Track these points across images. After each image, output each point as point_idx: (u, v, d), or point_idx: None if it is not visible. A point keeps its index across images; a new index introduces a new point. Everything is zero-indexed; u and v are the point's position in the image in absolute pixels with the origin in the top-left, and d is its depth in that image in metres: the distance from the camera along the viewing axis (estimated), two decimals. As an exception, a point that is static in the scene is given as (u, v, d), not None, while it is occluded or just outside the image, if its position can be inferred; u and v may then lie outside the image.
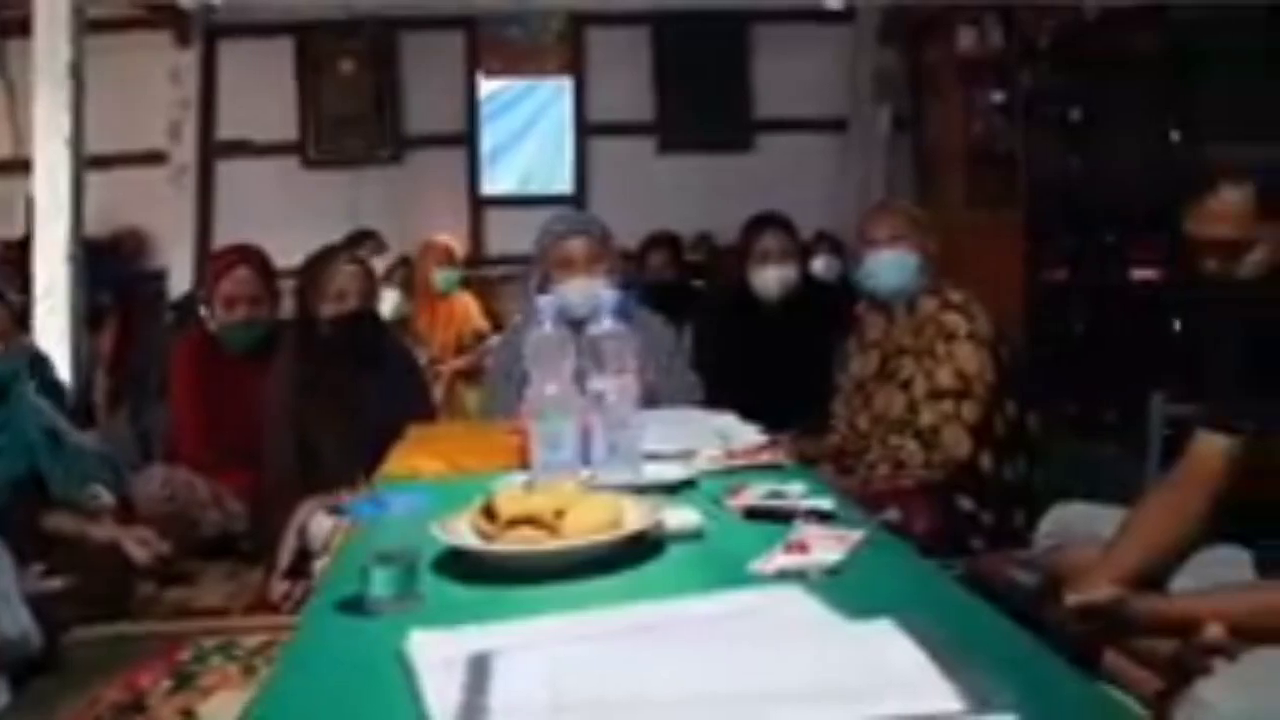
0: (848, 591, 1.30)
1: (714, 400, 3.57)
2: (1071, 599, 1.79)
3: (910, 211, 3.29)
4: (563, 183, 6.92)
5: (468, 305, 5.86)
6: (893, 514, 2.85)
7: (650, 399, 2.97)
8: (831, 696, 0.98)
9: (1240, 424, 2.03)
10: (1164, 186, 1.99)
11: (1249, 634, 1.73)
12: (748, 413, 3.13)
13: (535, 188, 6.92)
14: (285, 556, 3.24)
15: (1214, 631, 1.69)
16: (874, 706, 0.95)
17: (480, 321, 5.78)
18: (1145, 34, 3.84)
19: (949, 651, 1.05)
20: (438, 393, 4.81)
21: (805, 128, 6.89)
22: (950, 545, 2.87)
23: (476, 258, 6.64)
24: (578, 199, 6.87)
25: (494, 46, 6.90)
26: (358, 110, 6.85)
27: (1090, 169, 4.15)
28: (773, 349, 3.68)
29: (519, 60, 6.92)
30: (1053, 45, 4.63)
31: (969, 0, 5.92)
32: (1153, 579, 2.00)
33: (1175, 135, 3.53)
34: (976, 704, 0.94)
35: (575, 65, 6.90)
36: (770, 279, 3.70)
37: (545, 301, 1.93)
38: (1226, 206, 1.80)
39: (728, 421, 2.49)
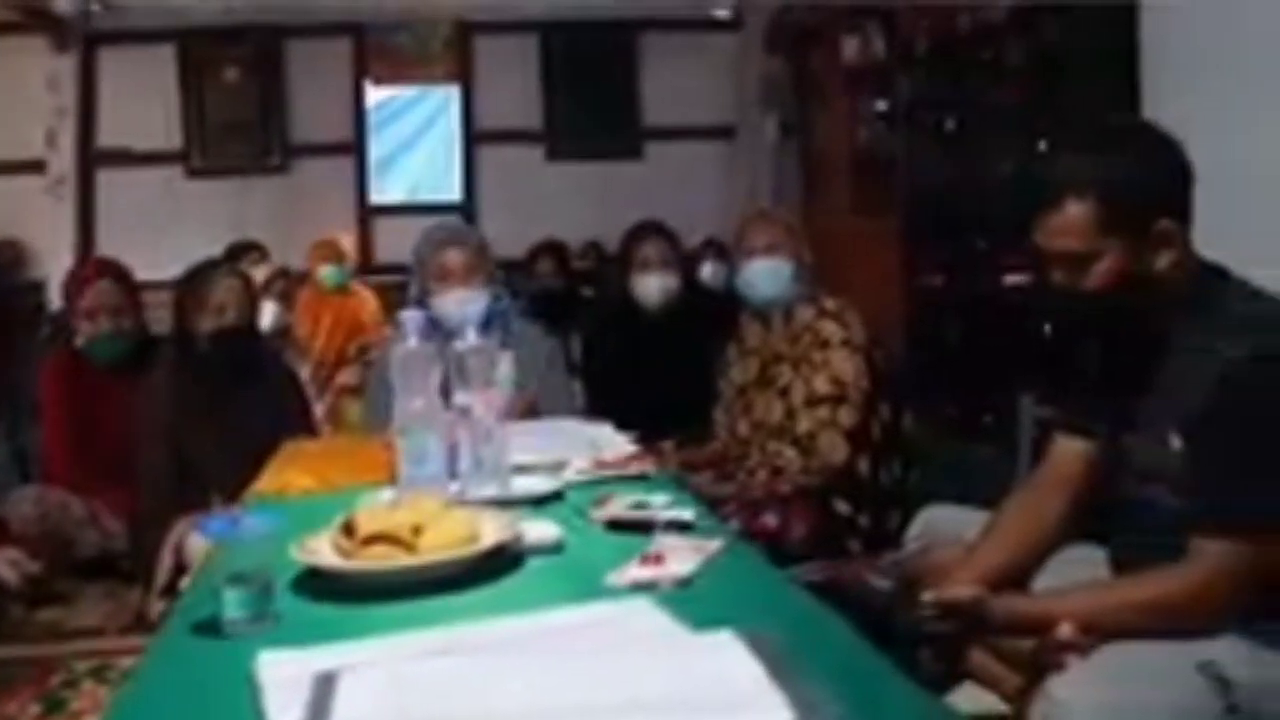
0: (697, 603, 1.32)
1: (599, 408, 3.60)
2: (929, 597, 1.83)
3: (786, 220, 3.34)
4: (452, 191, 6.91)
5: (361, 306, 5.74)
6: (770, 519, 2.90)
7: (531, 409, 2.99)
8: (666, 709, 1.00)
9: (1095, 427, 2.10)
10: (1027, 195, 2.04)
11: (1101, 631, 1.78)
12: (632, 420, 3.15)
13: (425, 196, 6.90)
14: (162, 575, 3.19)
15: (1065, 630, 1.73)
16: (706, 718, 0.97)
17: (378, 323, 5.65)
18: (1015, 44, 3.94)
19: (786, 664, 1.07)
20: (324, 405, 4.74)
21: (693, 135, 6.96)
22: (828, 548, 2.91)
23: (366, 266, 6.58)
24: (467, 207, 6.85)
25: (381, 54, 6.86)
26: (243, 118, 6.78)
27: (964, 176, 4.25)
28: (656, 357, 3.70)
29: (407, 68, 6.89)
30: (929, 54, 4.72)
31: (854, 1, 5.99)
32: (1015, 578, 2.05)
33: (1042, 145, 3.64)
34: (807, 715, 0.96)
35: (464, 73, 6.89)
36: (651, 287, 3.72)
37: (409, 316, 1.93)
38: (1070, 220, 1.85)
39: (601, 432, 2.51)
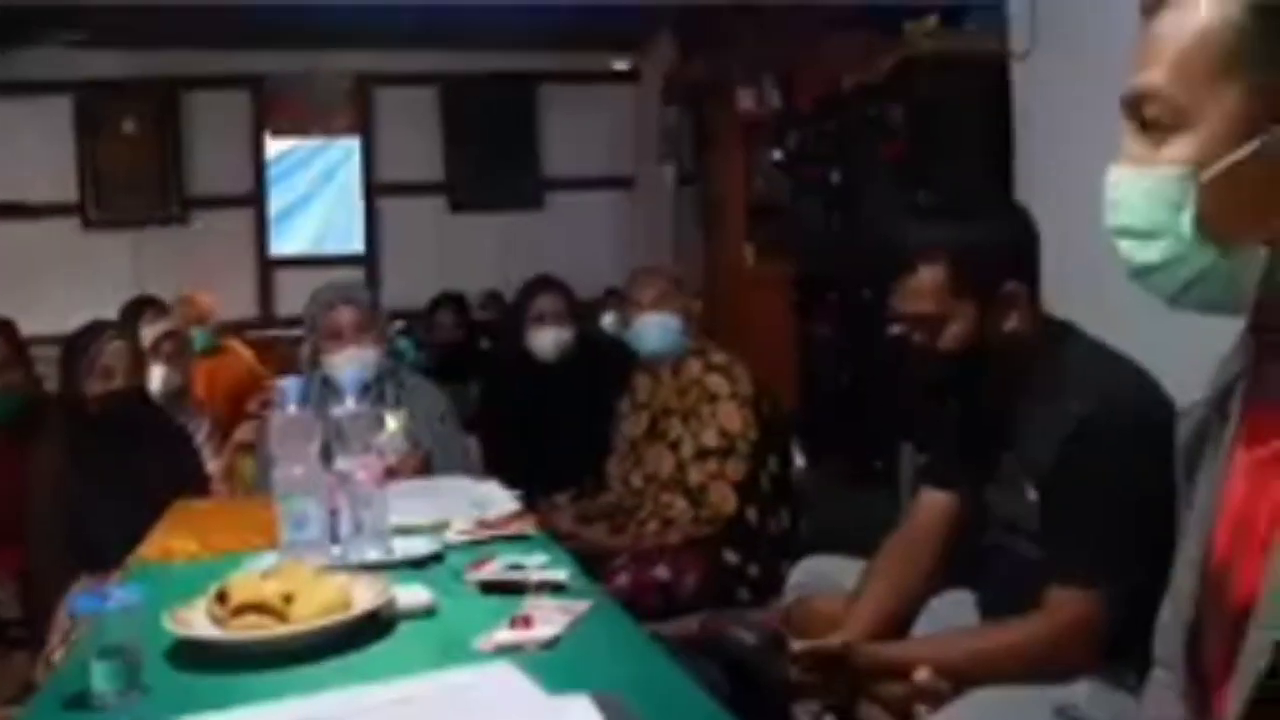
0: (559, 665, 1.37)
1: (495, 461, 3.64)
2: (796, 646, 1.89)
3: (672, 274, 3.41)
4: (354, 242, 6.91)
5: (240, 366, 5.65)
6: (661, 571, 2.95)
7: (424, 466, 3.01)
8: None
9: (959, 479, 2.19)
10: (885, 261, 2.14)
11: (964, 676, 1.85)
12: (528, 472, 3.20)
13: (327, 248, 6.89)
14: (55, 639, 3.14)
15: (922, 674, 1.80)
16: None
17: (257, 377, 5.53)
18: (895, 101, 4.07)
19: (624, 716, 1.11)
20: (222, 462, 4.69)
21: (593, 186, 7.05)
22: (718, 598, 2.97)
23: (267, 320, 6.55)
24: (369, 259, 6.86)
25: (281, 106, 6.86)
26: (141, 170, 6.72)
27: (849, 228, 4.36)
28: (552, 410, 3.74)
29: (307, 120, 6.90)
30: (816, 109, 4.85)
31: (750, 55, 6.12)
32: (893, 625, 2.12)
33: (920, 198, 3.76)
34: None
35: (364, 125, 6.91)
36: (546, 340, 3.76)
37: (285, 384, 1.95)
38: (923, 284, 1.94)
39: (488, 490, 2.54)
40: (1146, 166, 1.04)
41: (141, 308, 5.34)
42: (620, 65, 7.00)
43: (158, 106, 6.72)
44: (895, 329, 2.11)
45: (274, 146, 6.86)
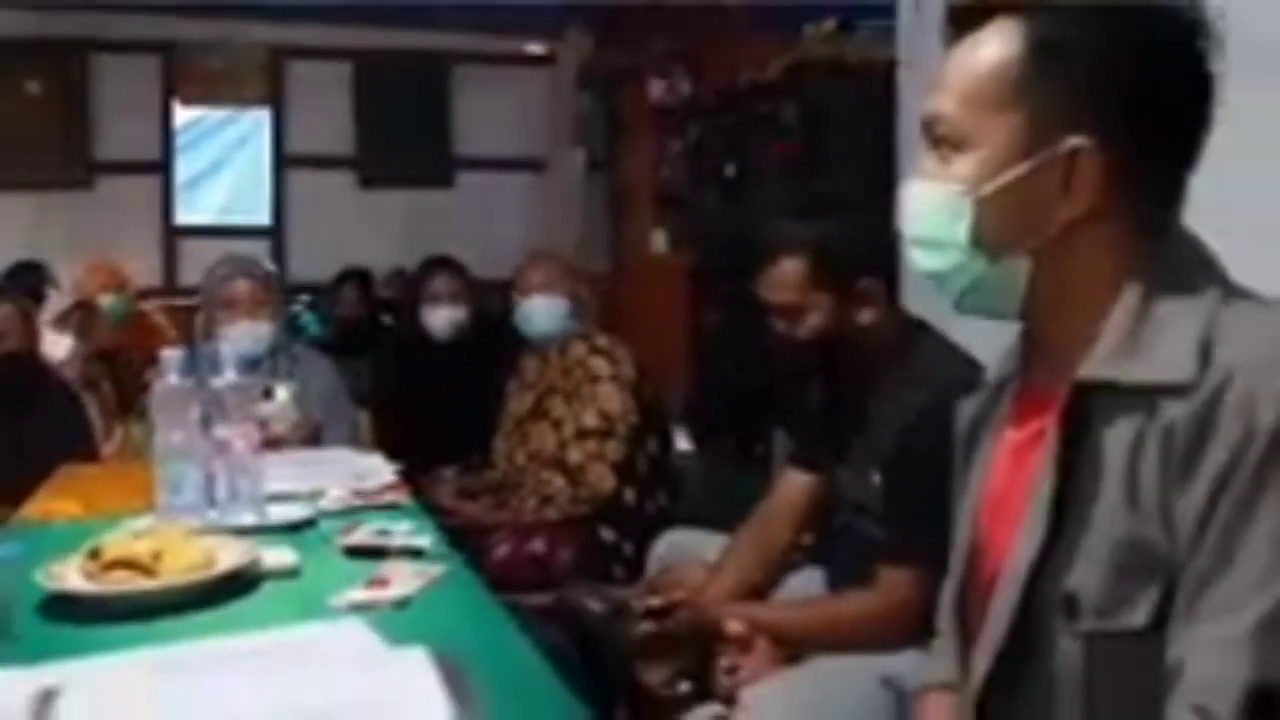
0: (406, 623, 1.48)
1: (386, 435, 3.72)
2: (638, 604, 2.02)
3: (562, 260, 3.53)
4: (261, 214, 6.90)
5: (153, 333, 5.63)
6: (537, 545, 3.06)
7: (314, 437, 3.10)
8: (340, 714, 1.14)
9: (817, 463, 2.33)
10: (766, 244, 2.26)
11: (798, 642, 2.01)
12: (417, 447, 3.29)
13: (234, 218, 6.87)
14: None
15: (734, 627, 1.95)
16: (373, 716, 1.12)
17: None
18: (787, 105, 4.21)
19: (461, 678, 1.22)
20: (122, 431, 4.69)
21: (504, 166, 7.11)
22: (593, 574, 3.09)
23: (171, 288, 6.52)
24: (276, 231, 6.86)
25: (192, 74, 6.81)
26: (44, 132, 6.61)
27: (741, 222, 4.49)
28: (443, 387, 3.84)
29: (217, 89, 6.86)
30: (716, 103, 4.98)
31: (663, 45, 6.22)
32: (748, 597, 2.26)
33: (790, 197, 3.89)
34: (457, 712, 1.12)
35: (275, 97, 6.90)
36: (441, 320, 3.86)
37: (168, 355, 2.02)
38: (784, 275, 2.08)
39: (369, 462, 2.64)
40: (936, 182, 1.16)
41: (24, 273, 5.31)
42: (536, 49, 7.07)
43: (64, 68, 6.63)
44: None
45: (183, 114, 6.80)
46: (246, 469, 2.04)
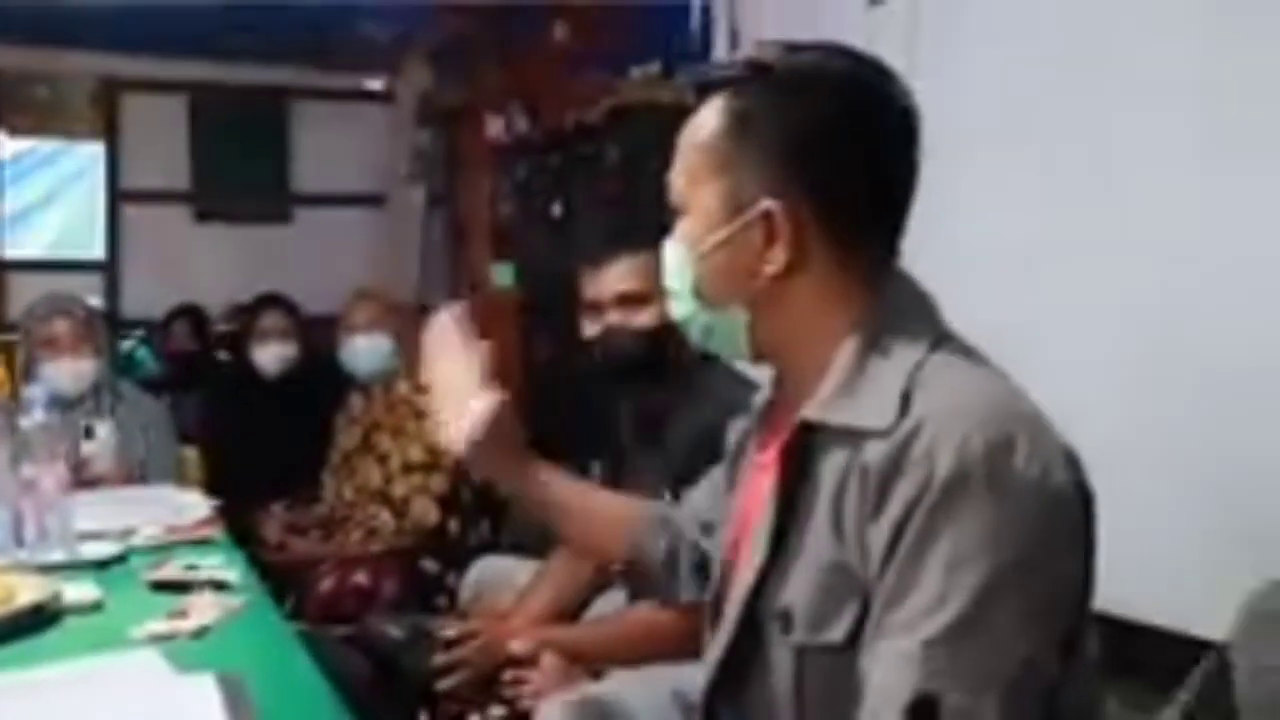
0: (201, 652, 1.55)
1: (216, 472, 3.75)
2: (438, 630, 2.12)
3: (387, 300, 3.60)
4: (94, 249, 6.79)
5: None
6: (361, 578, 3.13)
7: (138, 475, 3.12)
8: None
9: (623, 489, 2.45)
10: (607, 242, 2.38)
11: (591, 657, 2.12)
12: (246, 483, 3.33)
13: (65, 253, 6.76)
14: None
15: (517, 647, 2.06)
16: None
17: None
18: (610, 147, 4.35)
19: (243, 701, 1.31)
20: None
21: (345, 202, 7.12)
22: (417, 604, 3.17)
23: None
24: (110, 266, 6.77)
25: (20, 105, 6.68)
26: None
27: (568, 259, 4.61)
28: (272, 423, 3.87)
29: (47, 120, 6.74)
30: (544, 144, 5.10)
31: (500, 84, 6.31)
32: (556, 621, 2.37)
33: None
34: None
35: (109, 130, 6.80)
36: (270, 356, 3.90)
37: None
38: (625, 268, 2.20)
39: (186, 498, 2.68)
40: (671, 241, 1.30)
41: None
42: (374, 85, 7.11)
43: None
44: (591, 329, 2.34)
45: (10, 146, 6.68)
46: (55, 507, 2.08)
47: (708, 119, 1.25)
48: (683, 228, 1.27)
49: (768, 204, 1.20)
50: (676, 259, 1.29)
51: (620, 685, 2.05)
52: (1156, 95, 2.33)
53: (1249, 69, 2.15)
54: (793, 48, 1.24)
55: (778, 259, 1.21)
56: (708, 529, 1.54)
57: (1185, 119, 2.28)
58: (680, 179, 1.27)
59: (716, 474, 1.58)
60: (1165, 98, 2.31)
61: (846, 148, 1.21)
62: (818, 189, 1.20)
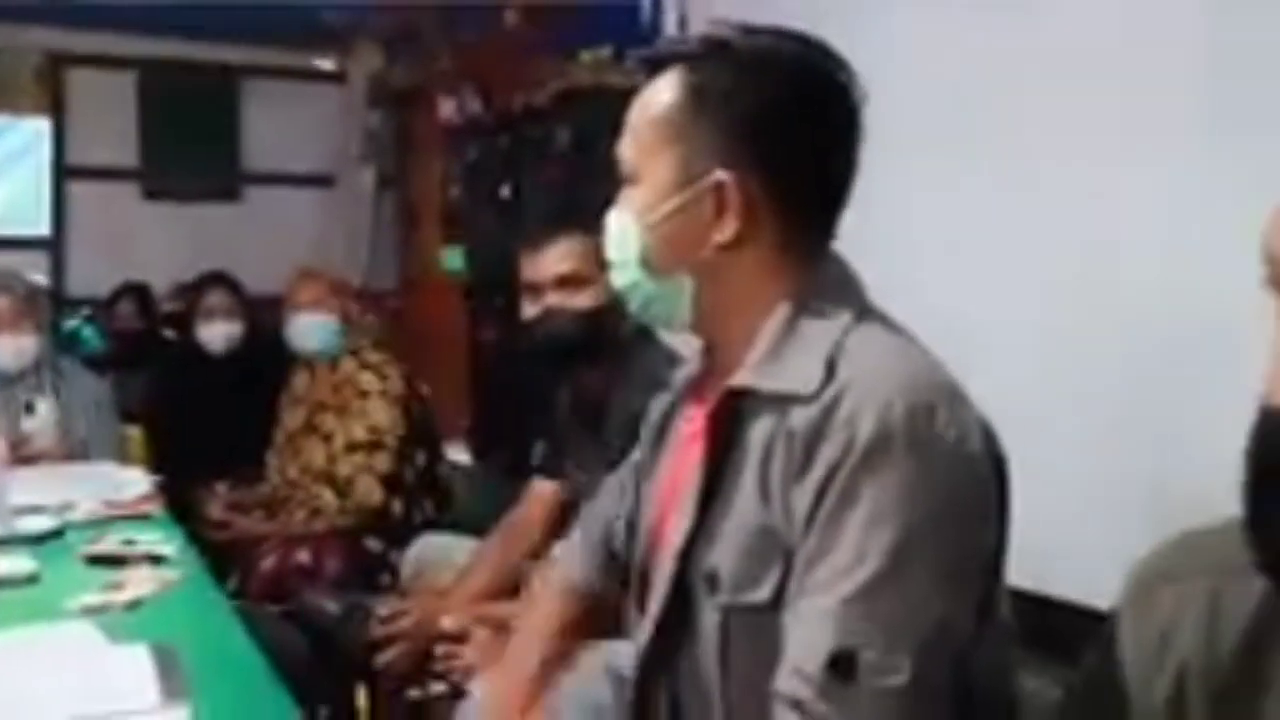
0: (135, 623, 1.57)
1: (161, 450, 3.74)
2: (375, 606, 2.14)
3: (331, 279, 3.60)
4: (40, 225, 6.69)
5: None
6: (303, 556, 3.14)
7: (79, 451, 3.12)
8: (58, 700, 1.24)
9: (562, 471, 2.49)
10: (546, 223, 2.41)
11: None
12: (191, 462, 3.33)
13: (10, 230, 6.67)
14: None
15: (447, 622, 2.09)
16: (84, 705, 1.22)
17: None
18: (560, 127, 4.37)
19: (175, 670, 1.33)
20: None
21: (294, 182, 7.07)
22: (361, 582, 3.17)
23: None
24: (56, 243, 6.69)
25: (-37, 80, 6.60)
26: None
27: (515, 240, 4.62)
28: (217, 401, 3.86)
29: (-8, 96, 6.66)
30: (495, 124, 5.10)
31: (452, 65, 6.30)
32: (495, 598, 2.39)
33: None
34: (164, 700, 1.23)
35: (56, 106, 6.72)
36: (215, 335, 3.89)
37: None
38: (564, 249, 2.23)
39: (127, 475, 2.69)
40: (618, 212, 1.32)
41: None
42: (326, 65, 7.07)
43: None
44: (530, 311, 2.36)
45: (-46, 121, 6.59)
46: (-8, 482, 2.09)
47: (662, 92, 1.27)
48: (632, 197, 1.29)
49: (720, 175, 1.23)
50: (623, 228, 1.31)
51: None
52: (1079, 82, 2.38)
53: (1163, 59, 2.21)
54: (747, 29, 1.27)
55: (727, 230, 1.24)
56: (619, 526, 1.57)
57: (1106, 106, 2.33)
58: (632, 149, 1.30)
59: (622, 476, 1.61)
60: (1087, 85, 2.37)
61: (797, 127, 1.24)
62: (768, 165, 1.24)
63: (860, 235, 1.33)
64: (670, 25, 3.75)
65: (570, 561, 1.68)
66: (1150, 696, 0.76)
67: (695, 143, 1.24)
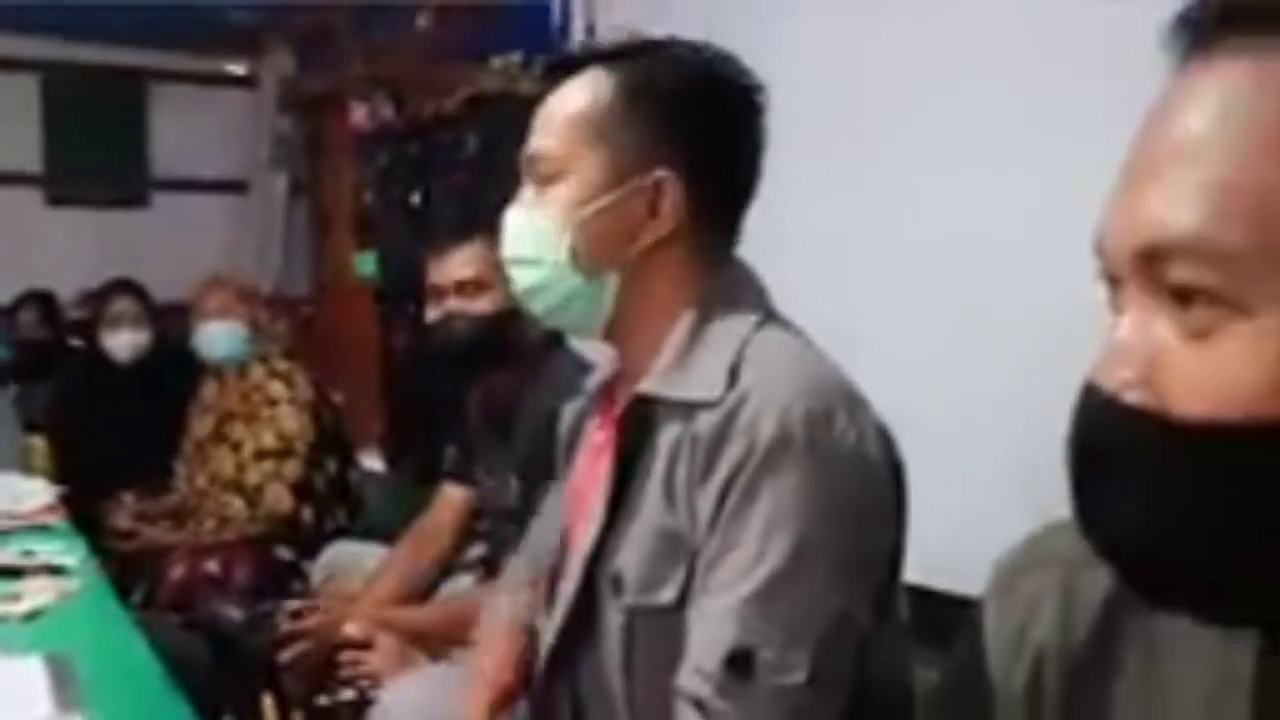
0: (33, 633, 1.56)
1: (65, 460, 3.69)
2: (280, 614, 2.14)
3: (240, 285, 3.58)
4: (-61, 232, 6.56)
5: None
6: (212, 566, 3.11)
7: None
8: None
9: (470, 476, 2.50)
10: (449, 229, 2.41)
11: (429, 637, 2.16)
12: (98, 472, 3.29)
13: (-93, 235, 6.52)
14: None
15: (350, 629, 2.09)
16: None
17: None
18: (469, 133, 4.37)
19: (70, 680, 1.33)
20: None
21: (205, 188, 6.99)
22: (272, 591, 3.15)
23: None
24: (-44, 250, 6.55)
25: None
26: None
27: (424, 247, 4.62)
28: (125, 411, 3.81)
29: (-114, 99, 6.49)
30: (403, 131, 5.09)
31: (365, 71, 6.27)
32: (402, 605, 2.40)
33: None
34: (58, 711, 1.23)
35: (-45, 109, 6.58)
36: (121, 343, 3.84)
37: None
38: (467, 254, 2.23)
39: (28, 485, 2.65)
40: (536, 209, 1.29)
41: None
42: (236, 70, 7.00)
43: None
44: (432, 315, 2.36)
45: None
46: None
47: (589, 89, 1.28)
48: (556, 195, 1.27)
49: (661, 173, 1.25)
50: (543, 226, 1.28)
51: (457, 664, 2.10)
52: (971, 86, 2.43)
53: (1057, 63, 2.27)
54: (671, 39, 1.30)
55: (662, 226, 1.26)
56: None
57: (997, 110, 2.38)
58: (555, 147, 1.27)
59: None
60: (979, 90, 2.42)
61: (721, 128, 1.27)
62: (695, 165, 1.26)
63: (757, 239, 1.36)
64: (578, 32, 3.77)
65: (517, 591, 1.67)
66: (1011, 684, 0.79)
67: (628, 141, 1.25)
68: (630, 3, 3.46)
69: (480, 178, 4.22)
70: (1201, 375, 0.57)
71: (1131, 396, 0.60)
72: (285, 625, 2.12)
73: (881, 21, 2.63)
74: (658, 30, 1.34)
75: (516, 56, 4.40)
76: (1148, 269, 0.59)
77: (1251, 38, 0.57)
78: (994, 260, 2.39)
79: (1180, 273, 0.57)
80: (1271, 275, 0.55)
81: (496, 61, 4.49)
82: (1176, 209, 0.57)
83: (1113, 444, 0.63)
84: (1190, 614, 0.67)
